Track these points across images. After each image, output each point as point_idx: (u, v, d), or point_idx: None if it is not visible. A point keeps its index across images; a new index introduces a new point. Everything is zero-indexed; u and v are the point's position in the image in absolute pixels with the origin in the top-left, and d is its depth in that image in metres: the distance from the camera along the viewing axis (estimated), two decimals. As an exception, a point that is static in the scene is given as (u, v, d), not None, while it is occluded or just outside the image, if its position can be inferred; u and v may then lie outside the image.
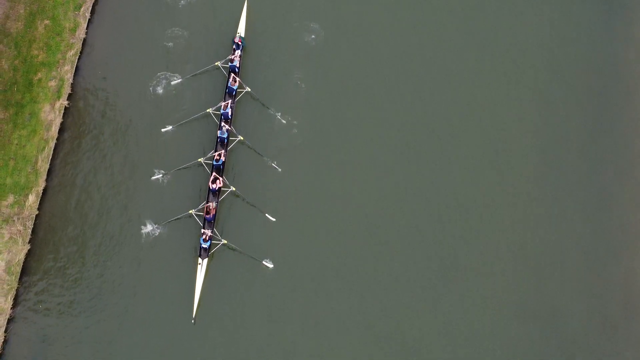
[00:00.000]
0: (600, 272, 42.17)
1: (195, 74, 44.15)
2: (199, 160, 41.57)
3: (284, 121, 43.61)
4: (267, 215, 41.10)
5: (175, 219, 40.27)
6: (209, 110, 42.70)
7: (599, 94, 46.28)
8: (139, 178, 41.92)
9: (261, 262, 40.08)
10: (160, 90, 43.90)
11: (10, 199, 40.71)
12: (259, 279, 40.04)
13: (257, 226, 41.12)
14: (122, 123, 43.25)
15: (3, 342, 38.25)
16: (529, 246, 42.42)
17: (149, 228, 40.49)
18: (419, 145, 44.31)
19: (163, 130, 42.72)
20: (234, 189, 41.30)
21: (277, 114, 43.64)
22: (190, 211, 40.29)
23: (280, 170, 42.30)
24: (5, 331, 38.45)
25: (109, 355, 38.03)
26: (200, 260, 39.54)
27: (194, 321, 38.61)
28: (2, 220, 40.20)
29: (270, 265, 40.12)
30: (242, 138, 42.51)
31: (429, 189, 43.12)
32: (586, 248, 42.64)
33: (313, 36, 46.13)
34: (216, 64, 44.14)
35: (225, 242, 40.10)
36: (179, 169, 41.60)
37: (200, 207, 40.54)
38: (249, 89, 43.87)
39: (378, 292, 40.37)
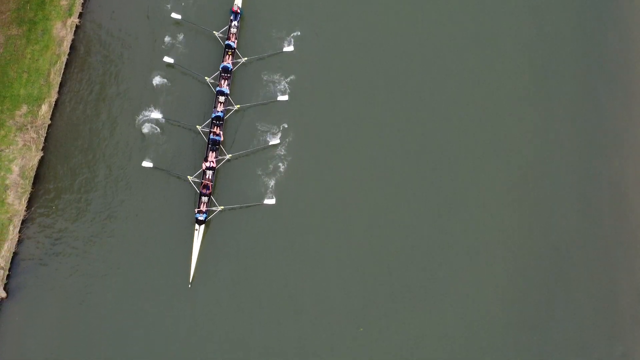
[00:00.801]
0: (589, 171, 44.01)
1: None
2: (197, 127, 42.54)
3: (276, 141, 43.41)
4: (265, 201, 41.56)
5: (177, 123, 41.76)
6: (207, 78, 43.76)
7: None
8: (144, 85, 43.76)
9: (262, 203, 41.05)
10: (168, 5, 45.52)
11: (24, 109, 42.41)
12: (254, 243, 40.77)
13: (253, 182, 41.97)
14: (129, 41, 44.81)
15: (18, 242, 40.03)
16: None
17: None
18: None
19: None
20: (229, 156, 42.01)
21: (274, 76, 44.51)
22: (188, 177, 41.21)
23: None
24: (20, 231, 40.25)
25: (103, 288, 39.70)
26: (197, 226, 40.31)
27: (191, 284, 39.52)
28: (17, 129, 41.93)
29: (273, 201, 41.07)
30: (238, 107, 43.22)
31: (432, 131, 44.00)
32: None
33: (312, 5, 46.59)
34: (214, 32, 44.92)
35: (222, 208, 40.77)
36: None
37: (197, 174, 41.30)
38: (245, 59, 44.55)
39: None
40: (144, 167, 41.87)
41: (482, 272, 40.98)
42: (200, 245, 40.01)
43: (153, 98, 43.55)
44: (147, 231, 40.67)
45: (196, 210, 40.17)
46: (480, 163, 43.42)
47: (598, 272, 41.78)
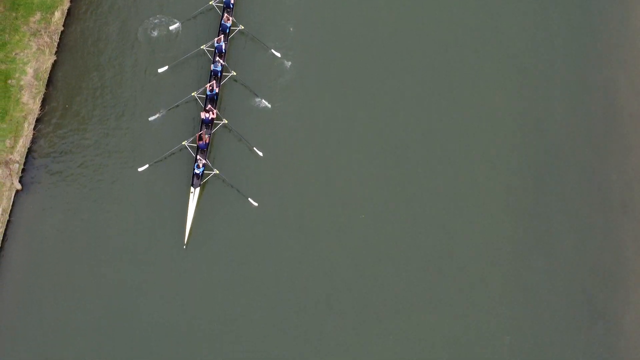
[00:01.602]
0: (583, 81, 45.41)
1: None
2: (192, 94, 42.90)
3: (278, 54, 44.70)
4: (254, 149, 42.19)
5: (169, 154, 41.98)
6: (203, 46, 44.04)
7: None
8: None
9: (247, 199, 40.99)
10: None
11: (38, 15, 44.06)
12: (250, 210, 41.07)
13: (247, 161, 42.27)
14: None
15: (32, 139, 41.69)
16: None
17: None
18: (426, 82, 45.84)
19: (160, 70, 44.09)
20: (226, 121, 42.52)
21: (270, 49, 44.82)
22: (183, 142, 41.66)
23: (270, 107, 43.49)
24: (34, 129, 41.92)
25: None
26: (192, 189, 40.78)
27: (186, 246, 39.98)
28: (31, 34, 43.59)
29: (255, 204, 40.90)
30: (234, 73, 43.75)
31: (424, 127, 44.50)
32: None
33: None
34: (210, 2, 45.45)
35: (217, 172, 41.30)
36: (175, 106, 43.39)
37: (192, 138, 41.72)
38: (242, 27, 45.17)
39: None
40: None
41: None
42: (196, 207, 40.51)
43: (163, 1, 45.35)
44: (141, 191, 41.32)
45: (194, 162, 40.79)
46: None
47: (589, 173, 43.63)
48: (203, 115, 42.11)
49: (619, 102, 45.59)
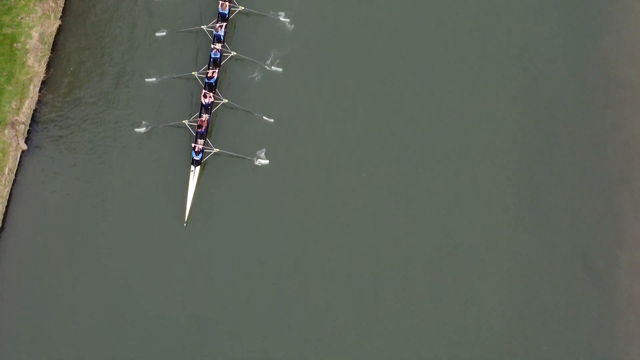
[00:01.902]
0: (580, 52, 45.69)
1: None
2: (193, 73, 43.32)
3: (285, 20, 45.27)
4: (264, 117, 42.68)
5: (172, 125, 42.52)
6: (203, 27, 44.65)
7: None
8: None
9: (256, 158, 41.65)
10: None
11: (43, -20, 44.97)
12: (251, 183, 41.63)
13: (249, 130, 42.56)
14: None
15: (37, 101, 42.60)
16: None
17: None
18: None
19: (158, 34, 44.83)
20: (226, 100, 42.80)
21: (273, 14, 45.37)
22: (183, 121, 42.09)
23: (280, 70, 44.14)
24: (39, 91, 42.83)
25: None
26: (192, 167, 41.17)
27: (186, 223, 40.46)
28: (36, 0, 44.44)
29: (266, 161, 41.70)
30: (235, 53, 44.21)
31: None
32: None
33: None
34: None
35: (217, 150, 41.46)
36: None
37: (193, 118, 42.14)
38: (242, 7, 45.45)
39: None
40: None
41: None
42: (196, 186, 40.93)
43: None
44: (141, 172, 41.79)
45: (193, 149, 41.03)
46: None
47: (587, 135, 43.72)
48: (203, 100, 42.42)
49: (617, 72, 45.52)
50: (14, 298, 38.63)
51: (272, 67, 44.02)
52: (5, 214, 40.13)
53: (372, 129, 43.52)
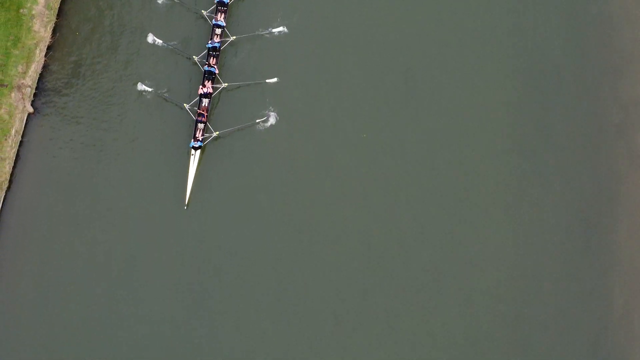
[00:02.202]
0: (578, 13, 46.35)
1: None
2: (193, 57, 43.77)
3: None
4: (266, 81, 43.15)
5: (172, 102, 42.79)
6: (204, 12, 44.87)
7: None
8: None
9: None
10: None
11: (49, -51, 45.75)
12: (251, 165, 41.76)
13: (249, 105, 43.12)
14: None
15: (43, 65, 43.43)
16: None
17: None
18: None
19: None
20: (226, 84, 43.16)
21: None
22: (184, 104, 42.44)
23: (285, 30, 44.53)
24: (46, 56, 43.66)
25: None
26: (193, 151, 41.41)
27: (187, 206, 40.81)
28: (42, -34, 45.25)
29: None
30: (234, 37, 44.43)
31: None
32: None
33: None
34: None
35: (217, 133, 41.74)
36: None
37: (193, 102, 42.46)
38: None
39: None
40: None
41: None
42: (196, 170, 41.24)
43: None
44: (142, 155, 41.93)
45: (192, 139, 41.33)
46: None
47: (586, 98, 44.29)
48: (202, 89, 42.64)
49: (613, 31, 46.09)
50: (16, 255, 39.49)
51: (275, 31, 44.44)
52: (11, 174, 41.10)
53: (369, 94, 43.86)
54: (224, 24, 44.48)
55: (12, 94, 42.16)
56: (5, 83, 42.14)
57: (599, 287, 40.14)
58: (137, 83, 43.20)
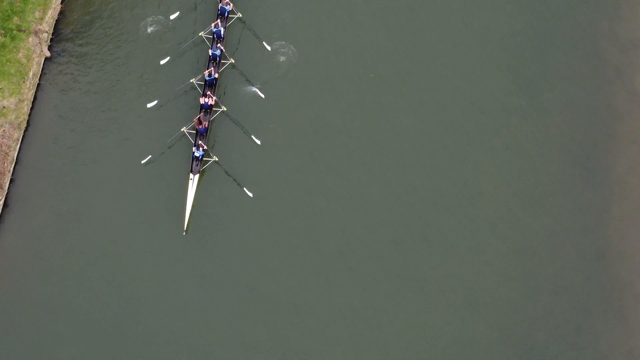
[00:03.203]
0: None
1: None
2: (191, 81, 42.25)
3: (268, 47, 43.85)
4: (253, 137, 41.77)
5: (170, 140, 41.47)
6: (201, 33, 43.48)
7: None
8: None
9: (242, 188, 40.75)
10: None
11: None
12: (249, 198, 40.91)
13: (246, 149, 41.93)
14: None
15: (60, 13, 44.95)
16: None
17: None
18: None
19: (161, 62, 43.61)
20: (225, 108, 41.98)
21: (262, 41, 44.00)
22: (182, 129, 41.15)
23: (263, 97, 42.86)
24: (62, 3, 45.19)
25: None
26: (191, 175, 40.51)
27: (185, 232, 40.25)
28: None
29: (250, 194, 40.22)
30: (233, 61, 43.20)
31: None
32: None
33: None
34: None
35: (217, 159, 40.89)
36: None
37: (191, 124, 41.23)
38: (241, 15, 44.41)
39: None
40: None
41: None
42: (195, 194, 40.76)
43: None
44: (141, 180, 41.39)
45: (194, 146, 40.74)
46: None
47: (584, 40, 45.70)
48: (202, 100, 41.65)
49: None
50: (34, 192, 40.93)
51: (259, 92, 43.13)
52: (29, 115, 42.61)
53: (374, 150, 43.10)
54: (220, 54, 43.23)
55: (30, 39, 43.61)
56: (23, 28, 43.58)
57: (597, 221, 41.52)
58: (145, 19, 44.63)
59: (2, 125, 41.41)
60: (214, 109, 42.15)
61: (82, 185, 41.23)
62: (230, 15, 44.34)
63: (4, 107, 41.82)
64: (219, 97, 42.88)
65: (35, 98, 43.03)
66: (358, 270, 40.17)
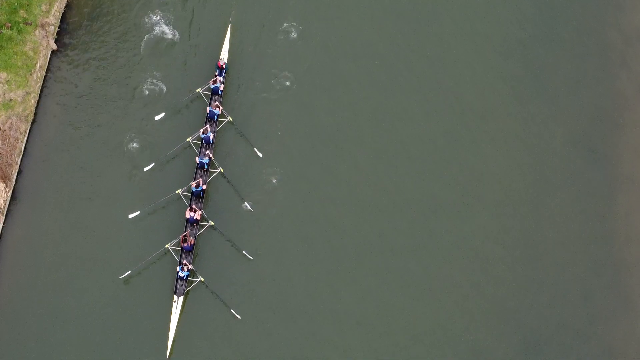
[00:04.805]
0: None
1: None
2: (177, 192, 39.57)
3: (260, 154, 41.35)
4: (244, 252, 39.19)
5: (152, 257, 38.64)
6: (189, 139, 40.82)
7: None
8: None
9: (230, 310, 38.00)
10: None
11: None
12: (236, 322, 38.26)
13: (234, 266, 39.30)
14: None
15: (66, 6, 45.30)
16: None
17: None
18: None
19: (146, 169, 40.91)
20: (212, 223, 39.32)
21: (254, 147, 41.57)
22: (167, 245, 38.47)
23: (253, 211, 40.10)
24: (67, -5, 45.63)
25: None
26: (175, 297, 37.74)
27: (168, 356, 37.36)
28: None
29: (238, 316, 37.94)
30: (222, 170, 40.76)
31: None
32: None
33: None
34: (197, 90, 42.43)
35: (202, 279, 38.16)
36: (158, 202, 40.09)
37: (176, 241, 38.58)
38: (231, 119, 42.11)
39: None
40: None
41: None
42: (179, 318, 37.89)
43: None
44: (124, 299, 38.61)
45: (178, 265, 38.18)
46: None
47: (589, 28, 46.05)
48: (188, 214, 38.80)
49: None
50: (40, 185, 41.08)
51: (248, 207, 40.19)
52: (37, 107, 42.89)
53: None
54: (208, 162, 40.71)
55: (36, 32, 43.85)
56: (30, 21, 43.82)
57: (604, 204, 41.93)
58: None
59: (9, 118, 41.65)
60: (200, 223, 39.44)
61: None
62: (220, 119, 41.84)
63: (11, 100, 42.06)
64: (206, 210, 40.01)
65: (42, 91, 43.30)
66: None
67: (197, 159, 40.29)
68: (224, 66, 43.12)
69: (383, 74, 44.42)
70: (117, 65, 44.20)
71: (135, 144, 41.96)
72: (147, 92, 43.37)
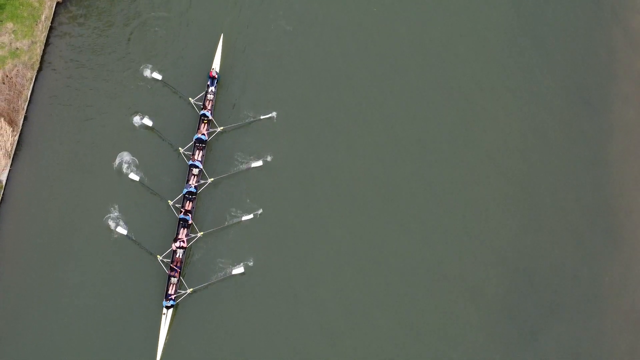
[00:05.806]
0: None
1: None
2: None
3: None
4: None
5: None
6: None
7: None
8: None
9: (231, 274, 39.04)
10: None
11: None
12: (226, 326, 38.68)
13: (225, 257, 39.96)
14: None
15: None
16: None
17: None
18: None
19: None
20: (201, 234, 40.07)
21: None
22: (158, 256, 39.22)
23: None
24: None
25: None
26: (165, 310, 38.14)
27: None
28: None
29: (241, 269, 39.06)
30: (212, 180, 41.23)
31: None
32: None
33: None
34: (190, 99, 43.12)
35: (191, 290, 38.54)
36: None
37: (166, 253, 39.25)
38: (222, 128, 42.45)
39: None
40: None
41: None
42: (168, 330, 37.98)
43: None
44: (112, 312, 38.50)
45: (164, 298, 38.26)
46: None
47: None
48: (174, 246, 39.06)
49: None
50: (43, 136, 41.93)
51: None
52: (42, 56, 43.82)
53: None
54: (201, 166, 41.30)
55: (42, -16, 44.83)
56: (35, -27, 44.84)
57: (598, 155, 42.92)
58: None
59: (15, 66, 42.50)
60: (190, 237, 39.90)
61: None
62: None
63: (17, 49, 42.94)
64: (197, 222, 40.39)
65: (47, 41, 44.21)
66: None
67: (185, 187, 40.57)
68: (216, 76, 43.20)
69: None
70: (120, 16, 45.13)
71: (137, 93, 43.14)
72: (148, 37, 44.49)
